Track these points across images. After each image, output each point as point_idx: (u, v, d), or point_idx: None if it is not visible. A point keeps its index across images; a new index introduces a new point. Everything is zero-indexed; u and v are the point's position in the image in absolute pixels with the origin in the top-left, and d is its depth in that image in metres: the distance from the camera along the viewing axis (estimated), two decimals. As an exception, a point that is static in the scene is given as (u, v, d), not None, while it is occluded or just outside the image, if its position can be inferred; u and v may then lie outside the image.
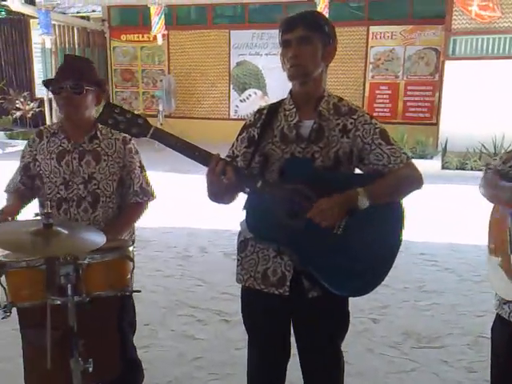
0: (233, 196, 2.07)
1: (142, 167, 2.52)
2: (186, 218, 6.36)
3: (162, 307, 4.00)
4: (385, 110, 11.45)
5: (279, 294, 2.05)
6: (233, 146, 2.13)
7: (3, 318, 2.07)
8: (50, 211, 1.78)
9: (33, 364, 2.24)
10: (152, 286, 4.32)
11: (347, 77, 11.34)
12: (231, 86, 12.19)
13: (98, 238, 1.87)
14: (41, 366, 2.08)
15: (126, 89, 12.81)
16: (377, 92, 11.49)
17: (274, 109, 2.08)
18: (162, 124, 11.06)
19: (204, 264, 4.96)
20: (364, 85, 11.52)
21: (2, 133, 11.86)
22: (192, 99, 12.37)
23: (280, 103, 2.10)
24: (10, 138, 11.90)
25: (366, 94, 11.51)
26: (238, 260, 2.16)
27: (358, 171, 2.11)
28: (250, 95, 12.01)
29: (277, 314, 2.14)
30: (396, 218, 2.03)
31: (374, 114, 11.17)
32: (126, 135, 2.44)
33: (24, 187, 2.48)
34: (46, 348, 2.05)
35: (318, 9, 9.71)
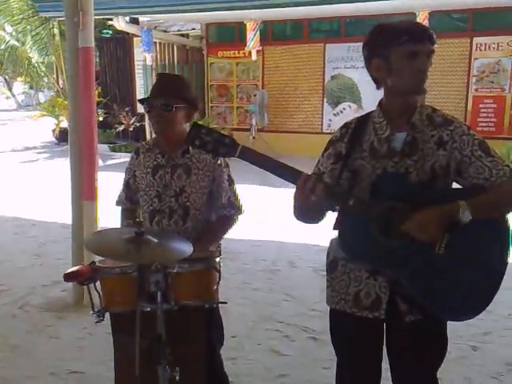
0: (321, 215, 1.99)
1: (230, 181, 2.53)
2: (275, 231, 6.33)
3: (249, 320, 3.98)
4: (489, 124, 10.81)
5: (373, 318, 1.95)
6: (318, 162, 2.04)
7: (97, 323, 2.14)
8: (141, 220, 1.82)
9: (123, 369, 2.30)
10: (239, 299, 4.32)
11: (448, 90, 10.85)
12: (325, 100, 12.10)
13: (186, 248, 1.89)
14: (130, 371, 2.11)
15: (220, 104, 13.11)
16: (481, 106, 10.87)
17: (361, 122, 1.99)
18: (254, 137, 11.21)
19: (292, 279, 4.89)
20: (467, 98, 10.97)
21: (106, 145, 12.57)
22: (285, 113, 12.41)
23: (368, 116, 2.00)
24: (113, 150, 12.59)
25: (469, 108, 10.94)
26: (328, 281, 2.07)
27: (455, 185, 1.97)
28: (344, 109, 11.84)
29: (369, 339, 2.03)
30: (502, 237, 1.86)
31: (478, 129, 10.61)
32: None
33: (130, 203, 2.63)
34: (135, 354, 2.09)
35: (418, 20, 9.42)
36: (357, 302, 1.97)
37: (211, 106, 13.16)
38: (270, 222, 6.71)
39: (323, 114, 12.12)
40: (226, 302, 2.22)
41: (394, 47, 1.80)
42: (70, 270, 2.03)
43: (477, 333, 3.68)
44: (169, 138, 2.46)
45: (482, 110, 10.87)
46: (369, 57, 1.90)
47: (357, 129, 1.97)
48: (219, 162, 2.49)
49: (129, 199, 2.62)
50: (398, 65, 1.81)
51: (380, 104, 1.96)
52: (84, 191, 4.18)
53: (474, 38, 10.70)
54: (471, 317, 1.87)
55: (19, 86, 28.98)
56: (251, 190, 8.14)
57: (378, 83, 1.93)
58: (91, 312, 2.12)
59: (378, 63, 1.86)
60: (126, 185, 2.62)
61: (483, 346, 3.56)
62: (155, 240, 1.86)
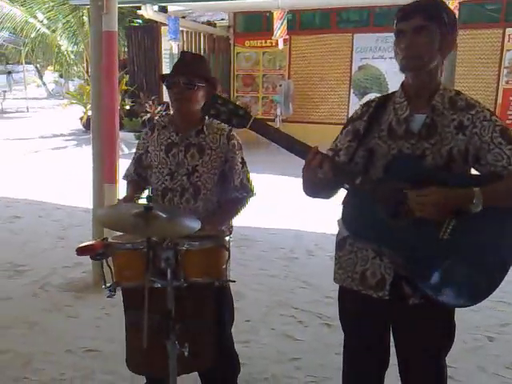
0: (331, 191, 1.99)
1: (243, 163, 2.53)
2: (295, 219, 6.32)
3: (264, 306, 4.01)
4: (520, 117, 10.60)
5: (378, 298, 1.95)
6: (336, 139, 2.04)
7: (108, 297, 2.18)
8: (150, 195, 1.85)
9: (133, 344, 2.33)
10: (255, 285, 4.35)
11: (478, 82, 10.65)
12: (351, 91, 12.00)
13: (194, 224, 1.90)
14: (140, 347, 2.15)
15: (246, 94, 13.13)
16: (511, 98, 10.64)
17: (383, 101, 1.97)
18: (278, 128, 11.15)
19: (309, 266, 4.89)
20: (497, 91, 10.74)
21: (132, 134, 12.67)
22: (310, 104, 12.35)
23: (390, 96, 1.98)
24: (138, 138, 12.65)
25: (499, 101, 10.71)
26: (336, 259, 2.09)
27: (473, 171, 1.93)
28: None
29: (374, 318, 2.03)
30: None
31: (508, 122, 10.39)
32: (231, 130, 2.48)
33: (138, 177, 2.65)
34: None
35: (447, 10, 9.22)
36: (363, 281, 1.97)
37: (237, 96, 13.17)
38: (289, 211, 6.70)
39: (349, 105, 12.01)
40: (234, 281, 2.23)
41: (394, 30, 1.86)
42: (82, 244, 2.07)
43: (494, 324, 3.62)
44: (186, 117, 2.48)
45: (513, 103, 10.64)
46: None
47: (377, 108, 1.96)
48: (233, 143, 2.50)
49: (137, 174, 2.64)
50: (394, 45, 1.86)
51: (402, 84, 1.95)
52: (105, 174, 4.25)
53: (507, 29, 10.44)
54: (471, 304, 1.84)
55: (50, 74, 29.45)
56: (271, 179, 8.16)
57: None
58: (103, 286, 2.16)
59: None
60: (138, 159, 2.64)
61: (500, 337, 3.50)
62: (164, 215, 1.88)
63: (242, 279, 4.36)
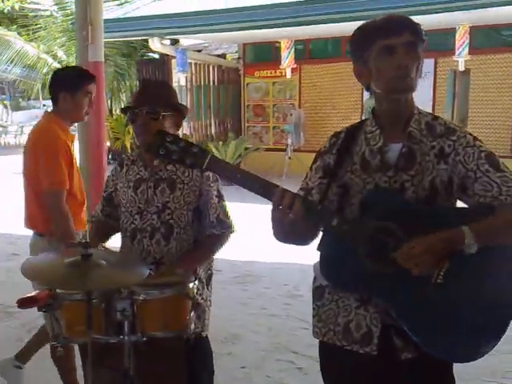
0: (307, 236, 1.75)
1: (220, 196, 2.29)
2: (301, 252, 5.99)
3: (261, 349, 3.71)
4: (540, 144, 10.20)
5: (365, 354, 1.68)
6: (306, 177, 1.82)
7: (60, 356, 1.93)
8: (87, 241, 1.61)
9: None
10: (254, 326, 4.05)
11: (493, 108, 10.32)
12: (363, 118, 11.76)
13: (141, 271, 1.65)
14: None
15: (257, 124, 12.97)
16: (530, 124, 10.28)
17: (353, 131, 1.76)
18: (290, 157, 10.97)
19: (313, 305, 4.57)
20: (514, 116, 10.40)
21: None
22: (322, 132, 12.10)
23: (360, 125, 1.77)
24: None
25: (517, 126, 10.36)
26: (314, 309, 1.83)
27: (460, 204, 1.71)
28: (383, 127, 11.48)
29: (361, 378, 1.74)
30: None
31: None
32: None
33: (104, 218, 2.43)
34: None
35: (457, 36, 9.04)
36: (346, 335, 1.71)
37: (247, 126, 13.03)
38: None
39: (362, 133, 11.76)
40: (201, 335, 1.96)
41: (369, 47, 1.61)
42: (24, 296, 1.82)
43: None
44: None
45: (532, 128, 10.26)
46: (353, 63, 1.71)
47: (347, 138, 1.75)
48: (207, 174, 2.27)
49: (105, 215, 2.41)
50: (375, 64, 1.62)
51: (373, 111, 1.74)
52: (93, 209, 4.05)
53: (522, 53, 10.17)
54: (471, 359, 1.58)
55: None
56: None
57: (368, 90, 1.74)
58: (53, 343, 1.90)
59: (358, 68, 1.69)
60: (107, 198, 2.41)
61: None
62: (104, 263, 1.63)
63: (241, 320, 4.09)
